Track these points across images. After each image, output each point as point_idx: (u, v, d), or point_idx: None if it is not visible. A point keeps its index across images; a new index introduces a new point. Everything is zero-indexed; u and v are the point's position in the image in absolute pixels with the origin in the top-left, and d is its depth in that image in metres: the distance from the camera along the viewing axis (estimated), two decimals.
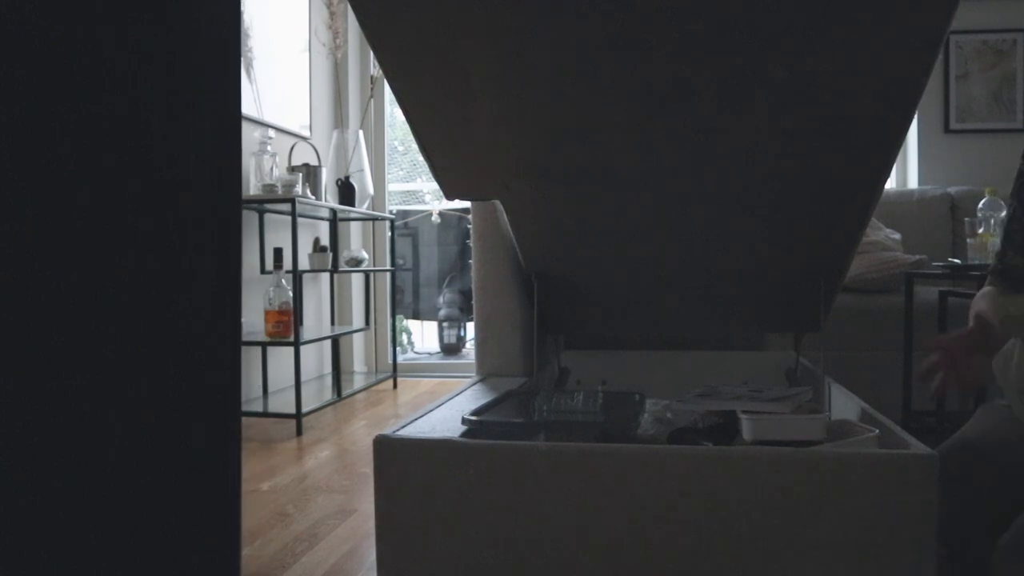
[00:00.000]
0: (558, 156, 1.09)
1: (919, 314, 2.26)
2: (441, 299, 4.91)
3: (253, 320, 3.01)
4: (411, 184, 4.54)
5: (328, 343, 3.78)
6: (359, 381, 3.57)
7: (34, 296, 0.52)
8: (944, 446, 1.19)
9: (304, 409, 2.69)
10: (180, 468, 0.61)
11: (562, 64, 0.92)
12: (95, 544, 0.56)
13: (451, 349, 4.79)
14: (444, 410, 1.18)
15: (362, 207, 3.49)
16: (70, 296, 0.53)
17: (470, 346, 4.70)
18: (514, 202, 1.22)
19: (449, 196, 1.21)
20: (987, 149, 3.50)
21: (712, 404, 1.20)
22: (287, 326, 2.72)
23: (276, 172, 2.98)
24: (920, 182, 3.52)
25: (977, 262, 2.23)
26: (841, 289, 1.38)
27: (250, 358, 3.08)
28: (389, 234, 3.81)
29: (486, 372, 1.59)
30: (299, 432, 2.62)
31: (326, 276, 3.75)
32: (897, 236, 2.86)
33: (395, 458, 0.94)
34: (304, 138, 3.49)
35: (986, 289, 1.16)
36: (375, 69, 3.97)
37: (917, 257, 2.64)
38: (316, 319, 3.66)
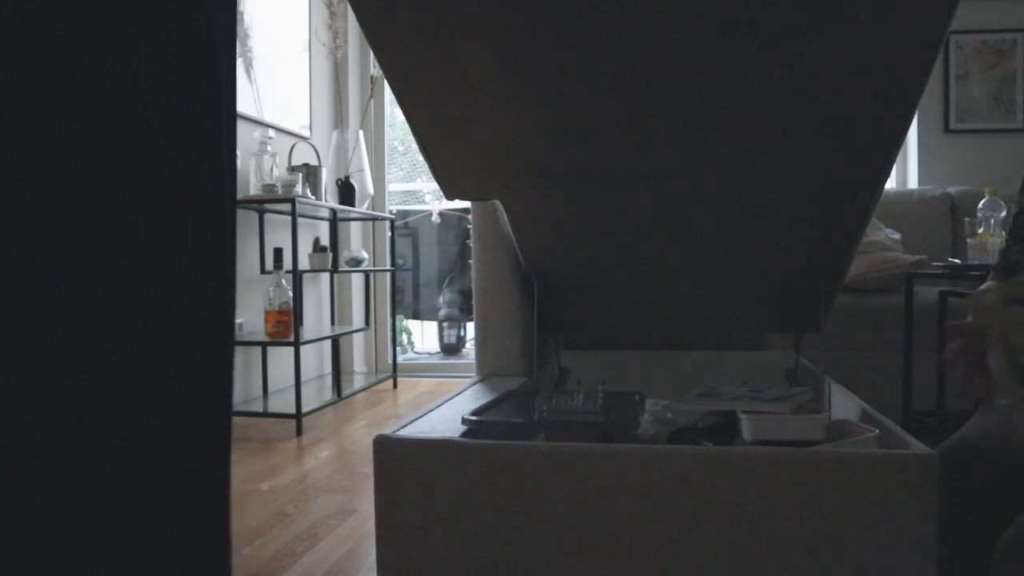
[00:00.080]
0: (558, 156, 1.09)
1: (919, 314, 2.26)
2: (441, 299, 4.91)
3: (253, 320, 3.01)
4: (411, 184, 4.54)
5: (328, 343, 3.78)
6: (359, 381, 3.57)
7: (34, 296, 0.52)
8: (944, 446, 1.19)
9: (304, 409, 2.69)
10: (179, 468, 0.61)
11: (562, 64, 0.92)
12: (95, 543, 0.56)
13: (451, 349, 4.79)
14: (444, 410, 1.18)
15: (362, 207, 3.49)
16: (70, 296, 0.53)
17: (470, 346, 4.71)
18: (514, 202, 1.22)
19: (449, 196, 1.21)
20: (987, 149, 3.50)
21: (712, 404, 1.20)
22: (287, 326, 2.72)
23: (276, 172, 2.98)
24: (920, 182, 3.52)
25: (977, 262, 2.23)
26: (841, 289, 1.38)
27: (250, 358, 3.08)
28: (389, 234, 3.81)
29: (486, 372, 1.59)
30: (299, 432, 2.62)
31: (326, 276, 3.75)
32: (897, 236, 2.86)
33: (395, 458, 0.94)
34: (304, 138, 3.49)
35: (987, 284, 1.16)
36: (375, 69, 3.97)
37: (917, 257, 2.64)
38: (316, 319, 3.66)
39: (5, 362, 0.51)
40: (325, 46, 3.73)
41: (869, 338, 2.52)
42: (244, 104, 2.99)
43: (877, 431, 0.98)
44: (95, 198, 0.54)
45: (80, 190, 0.53)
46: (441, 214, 4.77)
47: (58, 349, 0.53)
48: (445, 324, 4.83)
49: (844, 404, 1.25)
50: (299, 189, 2.83)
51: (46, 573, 0.54)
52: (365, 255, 3.47)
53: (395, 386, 3.64)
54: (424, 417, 1.12)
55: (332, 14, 3.73)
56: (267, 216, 3.15)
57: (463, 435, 1.01)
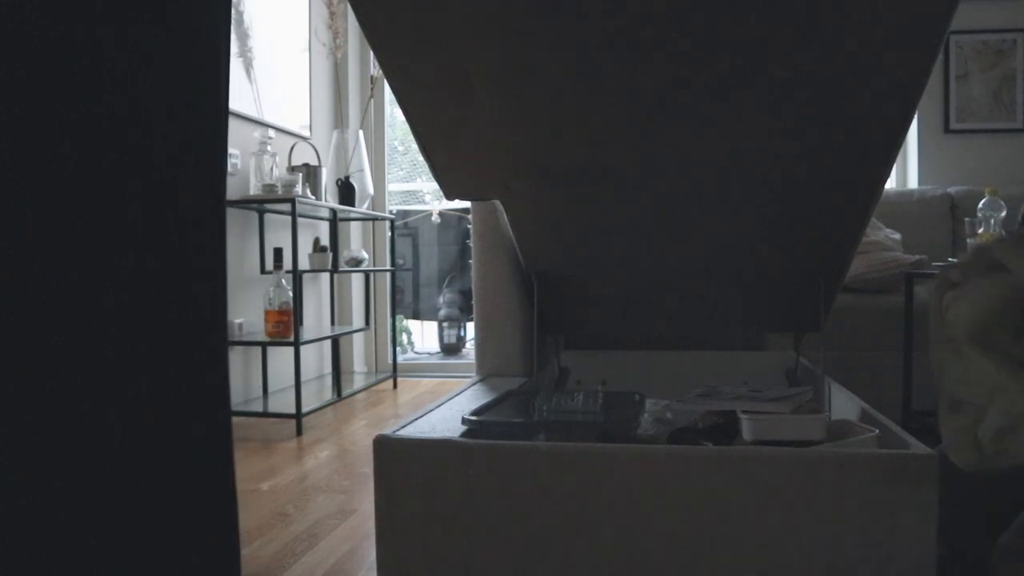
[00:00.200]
0: (558, 156, 1.09)
1: (919, 314, 2.26)
2: (441, 299, 4.91)
3: (253, 320, 3.01)
4: (411, 184, 4.54)
5: (328, 343, 3.78)
6: (359, 381, 3.57)
7: (34, 296, 0.52)
8: (944, 446, 1.19)
9: (304, 409, 2.69)
10: (180, 467, 0.61)
11: (562, 64, 0.92)
12: (96, 543, 0.56)
13: (451, 349, 4.79)
14: (444, 410, 1.18)
15: (362, 207, 3.49)
16: (70, 296, 0.53)
17: (470, 346, 4.70)
18: (514, 202, 1.22)
19: (449, 196, 1.21)
20: (987, 149, 3.50)
21: (712, 404, 1.20)
22: (287, 326, 2.72)
23: (276, 172, 2.98)
24: (920, 182, 3.52)
25: None
26: (841, 289, 1.38)
27: (250, 358, 3.08)
28: (389, 234, 3.81)
29: (486, 372, 1.59)
30: (299, 432, 2.62)
31: (326, 276, 3.75)
32: (897, 236, 2.86)
33: (395, 458, 0.94)
34: (304, 138, 3.49)
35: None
36: (375, 69, 3.97)
37: (917, 257, 2.64)
38: (316, 319, 3.66)
39: (5, 362, 0.51)
40: (325, 46, 3.73)
41: (869, 338, 2.52)
42: (244, 104, 2.99)
43: (877, 431, 0.98)
44: (95, 198, 0.54)
45: (80, 190, 0.53)
46: (441, 214, 4.77)
47: (58, 349, 0.53)
48: (445, 324, 4.83)
49: (844, 404, 1.25)
50: (299, 189, 2.83)
51: (46, 573, 0.54)
52: (365, 255, 3.47)
53: (395, 386, 3.64)
54: (424, 417, 1.12)
55: (332, 14, 3.73)
56: (267, 216, 3.15)
57: (463, 435, 1.01)
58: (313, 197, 3.03)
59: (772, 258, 1.28)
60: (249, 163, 2.96)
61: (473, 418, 1.06)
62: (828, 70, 0.89)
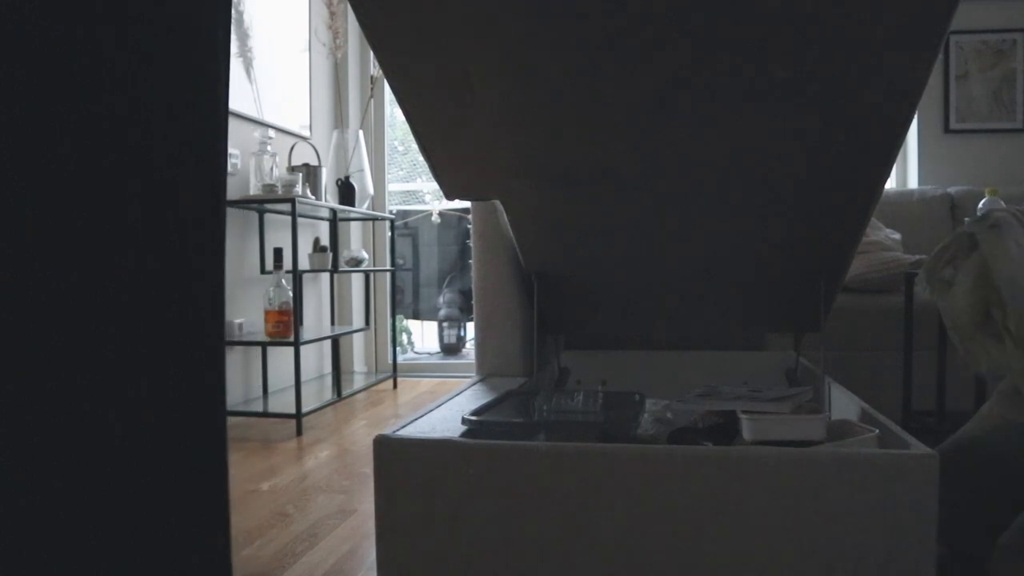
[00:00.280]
0: (558, 156, 1.09)
1: (919, 314, 2.26)
2: (441, 299, 4.91)
3: (253, 320, 3.01)
4: (411, 184, 4.53)
5: (328, 343, 3.78)
6: (359, 381, 3.57)
7: (34, 296, 0.52)
8: (944, 446, 1.19)
9: (304, 409, 2.69)
10: (178, 467, 0.61)
11: (562, 64, 0.92)
12: (95, 543, 0.56)
13: (451, 349, 4.79)
14: (444, 410, 1.18)
15: (362, 207, 3.49)
16: (70, 296, 0.53)
17: (470, 346, 4.70)
18: (514, 202, 1.22)
19: (449, 196, 1.21)
20: (987, 149, 3.50)
21: (712, 404, 1.20)
22: (287, 326, 2.72)
23: (276, 172, 2.98)
24: (920, 182, 3.52)
25: None
26: (841, 289, 1.38)
27: (250, 358, 3.08)
28: (389, 234, 3.81)
29: (486, 372, 1.59)
30: (299, 432, 2.62)
31: (326, 276, 3.75)
32: (897, 236, 2.86)
33: (395, 458, 0.94)
34: (304, 138, 3.49)
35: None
36: (375, 69, 3.97)
37: (917, 257, 2.64)
38: (316, 319, 3.66)
39: (5, 362, 0.51)
40: (325, 46, 3.73)
41: (869, 338, 2.51)
42: (244, 104, 2.99)
43: (877, 431, 0.98)
44: (95, 198, 0.54)
45: (80, 190, 0.53)
46: (441, 214, 4.77)
47: (58, 349, 0.53)
48: (445, 324, 4.83)
49: (844, 404, 1.25)
50: (299, 189, 2.83)
51: (46, 573, 0.54)
52: (365, 255, 3.47)
53: (395, 386, 3.64)
54: (424, 417, 1.12)
55: (332, 14, 3.73)
56: (267, 216, 3.15)
57: (463, 435, 1.01)
58: (313, 197, 3.03)
59: (772, 258, 1.28)
60: (249, 163, 2.96)
61: (473, 418, 1.06)
62: (828, 70, 0.89)
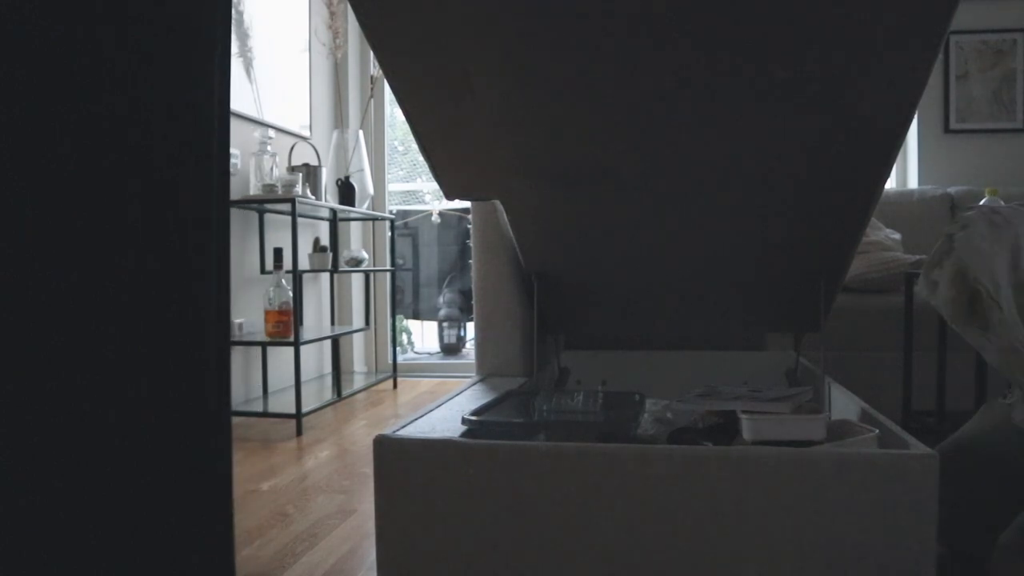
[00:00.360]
0: (558, 156, 1.09)
1: (919, 314, 2.26)
2: (441, 299, 4.91)
3: (253, 320, 3.01)
4: (411, 184, 4.53)
5: (328, 343, 3.78)
6: (359, 381, 3.57)
7: (34, 296, 0.52)
8: (944, 446, 1.19)
9: (304, 409, 2.69)
10: (179, 467, 0.61)
11: (562, 64, 0.92)
12: (95, 543, 0.56)
13: (451, 349, 4.79)
14: (444, 410, 1.18)
15: (362, 207, 3.49)
16: (70, 296, 0.53)
17: (470, 346, 4.70)
18: (514, 202, 1.22)
19: (449, 196, 1.21)
20: (987, 149, 3.50)
21: (712, 404, 1.20)
22: (287, 326, 2.72)
23: (276, 172, 2.98)
24: (920, 182, 3.52)
25: None
26: (841, 289, 1.39)
27: (250, 358, 3.08)
28: (389, 234, 3.81)
29: (486, 372, 1.59)
30: (299, 432, 2.62)
31: (326, 276, 3.75)
32: (897, 236, 2.86)
33: (395, 458, 0.94)
34: (304, 138, 3.49)
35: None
36: (375, 69, 3.97)
37: (917, 257, 2.64)
38: (316, 319, 3.66)
39: (5, 362, 0.51)
40: (325, 46, 3.73)
41: (869, 338, 2.51)
42: (244, 104, 2.99)
43: (877, 431, 0.98)
44: (95, 198, 0.54)
45: (80, 190, 0.53)
46: (441, 214, 4.77)
47: (58, 349, 0.53)
48: (445, 324, 4.83)
49: (844, 404, 1.25)
50: (299, 189, 2.83)
51: (46, 573, 0.54)
52: (365, 255, 3.47)
53: (395, 386, 3.64)
54: (424, 417, 1.12)
55: (332, 14, 3.73)
56: (267, 216, 3.15)
57: (463, 435, 1.01)
58: (313, 197, 3.03)
59: (772, 258, 1.28)
60: (249, 163, 2.96)
61: (473, 418, 1.06)
62: (828, 70, 0.89)
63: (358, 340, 3.95)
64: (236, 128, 2.95)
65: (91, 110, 0.54)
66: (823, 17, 0.83)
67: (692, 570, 0.87)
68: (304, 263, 3.25)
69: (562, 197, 1.18)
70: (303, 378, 3.00)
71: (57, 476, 0.54)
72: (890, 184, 3.55)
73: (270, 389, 3.17)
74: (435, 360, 4.66)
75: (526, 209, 1.23)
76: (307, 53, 3.56)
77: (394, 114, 4.20)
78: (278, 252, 2.77)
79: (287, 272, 2.75)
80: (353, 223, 3.87)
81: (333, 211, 3.51)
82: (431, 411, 1.17)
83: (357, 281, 3.92)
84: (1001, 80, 3.50)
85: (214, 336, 0.63)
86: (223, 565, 0.64)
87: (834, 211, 1.14)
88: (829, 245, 1.23)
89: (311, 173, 3.09)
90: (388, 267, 3.87)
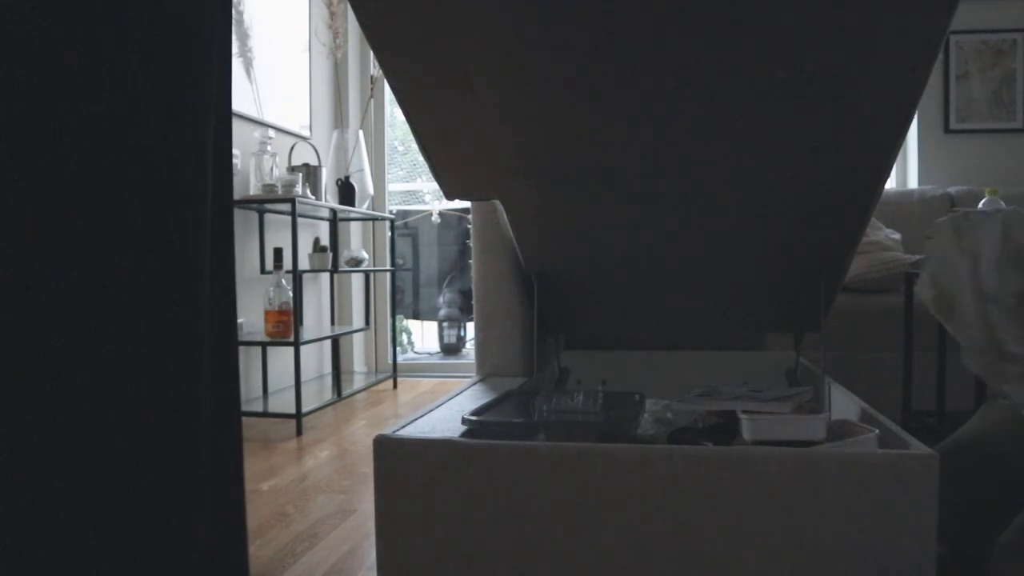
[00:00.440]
0: (558, 156, 1.09)
1: (919, 314, 2.26)
2: (441, 299, 4.90)
3: (253, 320, 3.01)
4: (411, 184, 4.53)
5: (328, 343, 3.78)
6: (359, 381, 3.57)
7: (34, 296, 0.52)
8: (944, 446, 1.19)
9: (304, 409, 2.69)
10: (181, 467, 0.61)
11: (562, 64, 0.92)
12: (95, 543, 0.56)
13: (451, 349, 4.79)
14: (444, 410, 1.18)
15: (362, 207, 3.49)
16: (70, 296, 0.53)
17: (470, 346, 4.70)
18: (514, 202, 1.22)
19: (449, 196, 1.21)
20: (987, 149, 3.50)
21: (712, 404, 1.20)
22: (287, 326, 2.72)
23: (276, 172, 2.98)
24: (920, 182, 3.52)
25: None
26: (841, 289, 1.39)
27: (250, 358, 3.08)
28: (389, 234, 3.81)
29: (486, 372, 1.59)
30: (299, 432, 2.62)
31: (326, 276, 3.75)
32: (897, 236, 2.86)
33: (395, 458, 0.94)
34: (304, 138, 3.49)
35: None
36: (375, 69, 3.96)
37: (917, 257, 2.64)
38: (316, 319, 3.66)
39: (5, 362, 0.51)
40: (325, 46, 3.73)
41: (869, 338, 2.51)
42: (244, 104, 2.99)
43: (877, 431, 0.98)
44: (95, 198, 0.54)
45: (80, 190, 0.53)
46: (441, 214, 4.77)
47: (58, 349, 0.53)
48: (445, 324, 4.83)
49: (844, 404, 1.25)
50: (299, 189, 2.82)
51: (46, 572, 0.54)
52: (365, 255, 3.47)
53: (395, 386, 3.64)
54: (424, 417, 1.12)
55: (332, 14, 3.73)
56: (267, 216, 3.15)
57: (463, 435, 1.01)
58: (313, 197, 3.03)
59: (772, 258, 1.28)
60: (249, 163, 2.96)
61: (473, 418, 1.06)
62: (828, 70, 0.89)
63: (358, 340, 3.95)
64: (236, 128, 2.95)
65: (91, 110, 0.54)
66: (823, 17, 0.82)
67: (692, 570, 0.87)
68: (304, 263, 3.25)
69: (562, 197, 1.18)
70: (303, 378, 3.00)
71: (57, 476, 0.54)
72: (890, 184, 3.55)
73: (270, 389, 3.17)
74: (435, 360, 4.66)
75: (526, 209, 1.23)
76: (307, 53, 3.56)
77: (394, 114, 4.20)
78: (278, 252, 2.77)
79: (287, 272, 2.75)
80: (353, 223, 3.87)
81: (333, 211, 3.51)
82: (431, 411, 1.17)
83: (357, 281, 3.92)
84: (1001, 80, 3.50)
85: (217, 336, 0.63)
86: (235, 565, 0.64)
87: (834, 211, 1.14)
88: (829, 245, 1.23)
89: (311, 173, 3.09)
90: (388, 267, 3.87)
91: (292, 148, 3.25)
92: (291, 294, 2.72)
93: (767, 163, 1.05)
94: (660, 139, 1.03)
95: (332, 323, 3.78)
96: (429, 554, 0.93)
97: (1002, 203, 2.32)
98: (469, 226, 1.62)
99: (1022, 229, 0.91)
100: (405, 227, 4.84)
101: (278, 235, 3.23)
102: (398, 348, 4.01)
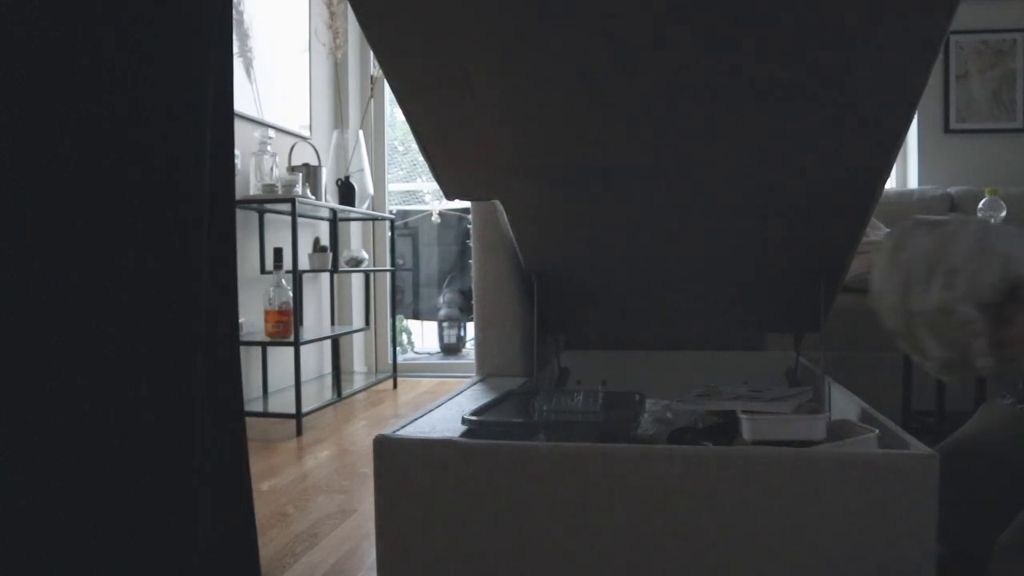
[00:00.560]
0: (558, 156, 1.09)
1: None
2: (441, 299, 4.91)
3: (253, 320, 3.01)
4: (411, 184, 4.53)
5: (328, 343, 3.78)
6: (359, 381, 3.57)
7: (34, 296, 0.52)
8: (944, 446, 1.19)
9: (304, 409, 2.69)
10: (181, 467, 0.61)
11: (562, 64, 0.92)
12: (95, 543, 0.56)
13: (451, 349, 4.79)
14: (444, 410, 1.18)
15: (362, 207, 3.49)
16: (70, 296, 0.53)
17: (470, 346, 4.70)
18: (514, 202, 1.22)
19: (449, 196, 1.21)
20: (987, 149, 3.50)
21: (712, 404, 1.20)
22: (287, 326, 2.72)
23: (276, 172, 2.98)
24: (920, 182, 3.52)
25: None
26: (841, 289, 1.39)
27: (250, 358, 3.08)
28: (389, 234, 3.81)
29: (486, 372, 1.59)
30: (299, 432, 2.62)
31: (326, 276, 3.75)
32: None
33: (395, 458, 0.94)
34: (304, 138, 3.49)
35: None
36: (375, 69, 3.97)
37: None
38: (316, 319, 3.66)
39: (5, 362, 0.51)
40: (325, 46, 3.73)
41: (869, 338, 2.51)
42: (244, 104, 2.99)
43: (877, 431, 0.98)
44: (95, 198, 0.54)
45: (80, 190, 0.53)
46: (441, 214, 4.77)
47: (58, 349, 0.53)
48: (445, 324, 4.83)
49: (844, 404, 1.25)
50: (299, 189, 2.82)
51: (46, 572, 0.54)
52: (365, 255, 3.47)
53: (395, 386, 3.64)
54: (424, 417, 1.12)
55: (332, 14, 3.73)
56: (267, 216, 3.15)
57: (463, 435, 1.01)
58: (313, 197, 3.03)
59: (772, 258, 1.28)
60: (249, 163, 2.96)
61: (473, 418, 1.06)
62: (828, 70, 0.89)
63: (358, 340, 3.95)
64: (236, 128, 2.94)
65: (91, 110, 0.54)
66: (823, 17, 0.82)
67: (692, 570, 0.87)
68: (304, 263, 3.25)
69: (562, 197, 1.18)
70: (303, 378, 3.00)
71: (57, 476, 0.54)
72: (890, 184, 3.55)
73: (270, 389, 3.17)
74: (435, 360, 4.66)
75: (526, 209, 1.23)
76: (307, 53, 3.56)
77: (394, 114, 4.20)
78: (278, 252, 2.77)
79: (287, 272, 2.75)
80: (353, 223, 3.87)
81: (333, 211, 3.51)
82: (431, 411, 1.17)
83: (357, 281, 3.92)
84: (1001, 80, 3.50)
85: (217, 335, 0.63)
86: (243, 565, 0.64)
87: (834, 211, 1.14)
88: (829, 245, 1.23)
89: (311, 173, 3.09)
90: (388, 267, 3.87)
91: (292, 148, 3.25)
92: (291, 294, 2.72)
93: (767, 163, 1.05)
94: (660, 139, 1.03)
95: (332, 323, 3.78)
96: (429, 554, 0.93)
97: (1002, 203, 2.32)
98: (469, 226, 1.62)
99: (999, 238, 0.90)
100: (405, 227, 4.84)
101: (278, 235, 3.24)
102: (398, 348, 4.01)
